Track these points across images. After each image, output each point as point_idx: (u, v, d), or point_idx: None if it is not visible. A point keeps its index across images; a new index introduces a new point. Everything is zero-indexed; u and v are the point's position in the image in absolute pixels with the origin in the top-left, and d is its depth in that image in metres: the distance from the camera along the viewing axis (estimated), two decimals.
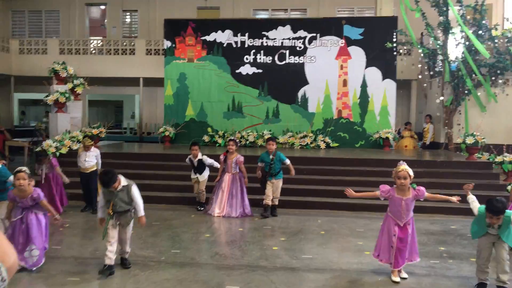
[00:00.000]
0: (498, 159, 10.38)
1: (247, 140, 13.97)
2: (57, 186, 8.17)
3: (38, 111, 24.50)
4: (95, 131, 12.16)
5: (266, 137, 13.55)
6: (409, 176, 4.79)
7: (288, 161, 8.16)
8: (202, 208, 8.51)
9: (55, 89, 12.32)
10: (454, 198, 4.94)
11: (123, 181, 5.11)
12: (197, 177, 8.54)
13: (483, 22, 13.40)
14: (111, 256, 5.01)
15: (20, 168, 5.19)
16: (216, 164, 8.47)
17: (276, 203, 8.23)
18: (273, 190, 8.07)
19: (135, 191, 5.18)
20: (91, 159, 8.34)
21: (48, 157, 8.24)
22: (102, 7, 21.15)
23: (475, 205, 4.92)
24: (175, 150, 12.24)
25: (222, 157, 8.29)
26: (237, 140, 8.71)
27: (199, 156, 8.50)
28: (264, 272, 5.24)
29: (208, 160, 8.55)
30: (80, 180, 8.48)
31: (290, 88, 14.40)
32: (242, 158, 8.23)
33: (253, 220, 7.85)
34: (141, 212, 5.23)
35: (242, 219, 7.97)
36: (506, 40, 13.47)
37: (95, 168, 8.44)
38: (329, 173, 10.15)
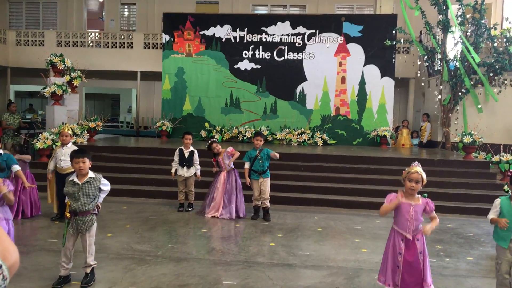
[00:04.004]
0: (495, 158, 10.43)
1: (244, 136, 13.95)
2: (26, 191, 7.25)
3: (34, 103, 24.40)
4: (91, 124, 12.13)
5: (263, 133, 13.53)
6: (422, 180, 4.09)
7: (274, 153, 7.59)
8: (190, 209, 8.14)
9: (52, 81, 12.26)
10: (428, 228, 4.01)
11: (90, 173, 4.58)
12: (184, 173, 8.08)
13: (482, 21, 13.41)
14: (66, 266, 4.54)
15: None
16: (198, 166, 8.17)
17: (268, 205, 7.69)
18: (261, 191, 7.66)
19: (105, 181, 4.64)
20: (67, 157, 6.82)
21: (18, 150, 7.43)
22: None
23: (489, 215, 4.32)
24: (172, 144, 12.19)
25: (214, 162, 7.97)
26: (216, 140, 8.21)
27: (191, 148, 8.19)
28: (261, 268, 5.23)
29: (197, 156, 8.16)
30: (56, 183, 7.26)
31: (288, 85, 14.40)
32: (230, 148, 7.89)
33: (250, 217, 7.81)
34: (101, 200, 4.68)
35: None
36: (504, 39, 13.50)
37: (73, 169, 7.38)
38: (326, 170, 10.15)
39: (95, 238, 4.67)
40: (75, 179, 4.53)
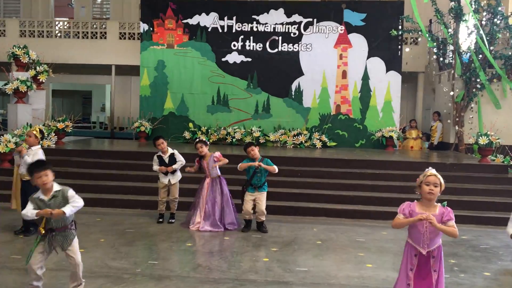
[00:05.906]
0: None
1: (234, 137, 13.96)
2: None
3: None
4: (60, 125, 12.06)
5: (255, 134, 13.56)
6: (440, 184, 4.07)
7: (276, 168, 7.56)
8: (173, 220, 8.03)
9: (15, 76, 12.18)
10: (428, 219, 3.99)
11: (55, 185, 4.55)
12: (169, 180, 8.01)
13: (499, 9, 13.54)
14: (35, 284, 4.52)
15: None
16: (183, 161, 8.08)
17: (263, 219, 7.61)
18: (256, 205, 7.54)
19: (73, 194, 4.54)
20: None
21: None
22: None
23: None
24: (151, 148, 12.10)
25: (197, 163, 7.85)
26: (205, 140, 8.09)
27: (170, 150, 8.08)
28: (254, 286, 5.23)
29: (179, 155, 8.07)
30: (20, 189, 7.22)
31: (283, 80, 14.44)
32: (217, 153, 7.76)
33: (240, 229, 7.79)
34: (68, 211, 4.39)
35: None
36: None
37: None
38: (326, 175, 10.18)
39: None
40: (41, 196, 4.49)
